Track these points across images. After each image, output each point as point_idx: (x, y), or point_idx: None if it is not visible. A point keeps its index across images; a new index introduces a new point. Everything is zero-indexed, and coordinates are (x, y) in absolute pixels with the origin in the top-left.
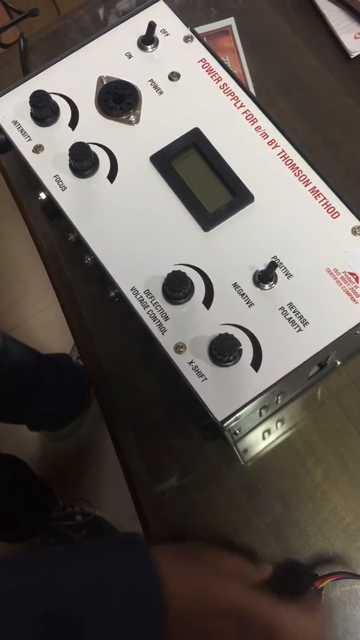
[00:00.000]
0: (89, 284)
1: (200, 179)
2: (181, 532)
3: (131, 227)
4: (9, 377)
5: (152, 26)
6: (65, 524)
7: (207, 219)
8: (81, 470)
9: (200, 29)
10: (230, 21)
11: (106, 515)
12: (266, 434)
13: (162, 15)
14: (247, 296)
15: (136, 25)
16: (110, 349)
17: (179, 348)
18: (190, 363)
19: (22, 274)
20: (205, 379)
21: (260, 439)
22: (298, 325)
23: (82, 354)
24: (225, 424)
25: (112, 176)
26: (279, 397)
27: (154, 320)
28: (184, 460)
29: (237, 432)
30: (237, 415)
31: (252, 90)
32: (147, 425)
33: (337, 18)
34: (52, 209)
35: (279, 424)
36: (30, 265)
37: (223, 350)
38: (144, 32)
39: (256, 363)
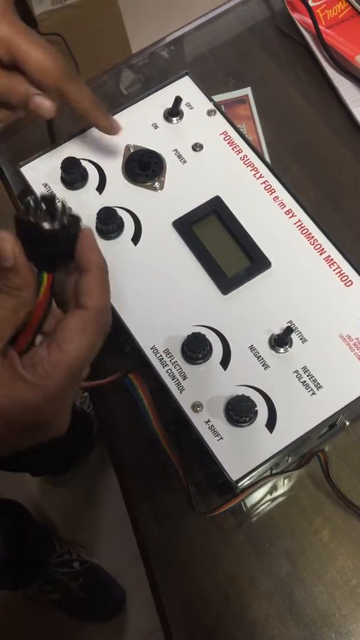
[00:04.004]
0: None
1: (220, 244)
2: (187, 585)
3: (153, 288)
4: None
5: (178, 100)
6: (62, 571)
7: (226, 283)
8: (80, 516)
9: (218, 97)
10: (247, 91)
11: (103, 563)
12: (273, 491)
13: (187, 89)
14: (263, 359)
15: (163, 98)
16: (123, 402)
17: (196, 407)
18: (206, 422)
19: None
20: (221, 438)
21: (269, 495)
22: (312, 389)
23: (96, 408)
24: (239, 484)
25: (136, 239)
26: (290, 456)
27: (173, 379)
28: (194, 519)
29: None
30: (251, 475)
31: (266, 156)
32: (157, 477)
33: (349, 92)
34: None
35: (286, 481)
36: None
37: (240, 411)
38: (169, 105)
39: (271, 424)
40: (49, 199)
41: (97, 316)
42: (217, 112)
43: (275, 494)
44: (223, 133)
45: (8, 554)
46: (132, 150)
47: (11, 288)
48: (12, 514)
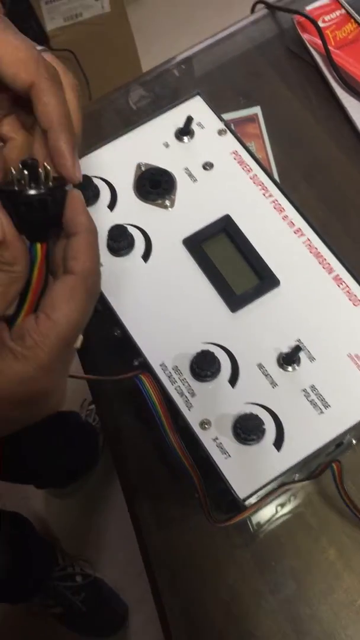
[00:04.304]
0: (112, 354)
1: (230, 262)
2: (191, 601)
3: (162, 305)
4: (19, 439)
5: (189, 120)
6: (65, 585)
7: (235, 300)
8: (83, 529)
9: (228, 116)
10: (256, 109)
11: (106, 578)
12: (279, 508)
13: (198, 109)
14: (271, 377)
15: (174, 117)
16: (129, 411)
17: (204, 424)
18: (214, 440)
19: None
20: (229, 456)
21: (274, 512)
22: (320, 408)
23: (101, 417)
24: (246, 502)
25: (146, 256)
26: (297, 474)
27: (181, 396)
28: (200, 534)
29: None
30: (258, 493)
31: (275, 175)
32: (164, 495)
33: (358, 112)
34: None
35: (292, 498)
36: None
37: (248, 429)
38: (181, 124)
39: (278, 443)
40: (31, 164)
41: (85, 280)
42: (228, 131)
43: (280, 511)
44: (233, 152)
45: (10, 566)
46: (143, 169)
47: (2, 263)
48: (15, 527)
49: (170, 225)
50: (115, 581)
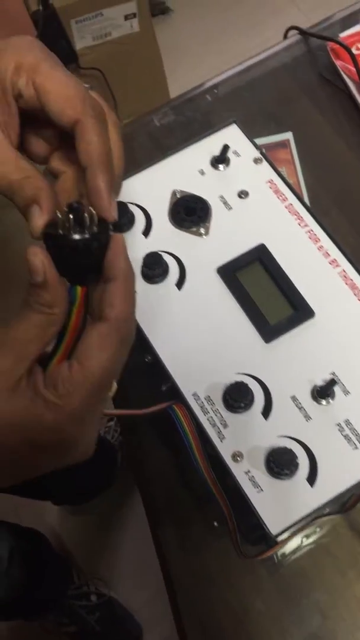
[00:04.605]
0: (141, 378)
1: (264, 292)
2: (214, 633)
3: (195, 333)
4: None
5: (226, 148)
6: (80, 604)
7: (269, 330)
8: (99, 548)
9: (259, 141)
10: (288, 135)
11: (121, 598)
12: (305, 538)
13: (234, 137)
14: (304, 410)
15: (209, 145)
16: (157, 445)
17: (237, 457)
18: (246, 473)
19: None
20: (261, 490)
21: (300, 543)
22: (354, 443)
23: (126, 439)
24: (278, 538)
25: (180, 284)
26: (328, 508)
27: (213, 427)
28: (225, 564)
29: None
30: (291, 529)
31: (306, 200)
32: (188, 520)
33: None
34: None
35: (318, 529)
36: None
37: (281, 464)
38: (216, 152)
39: (312, 478)
40: (76, 207)
41: (119, 327)
42: (264, 160)
43: (306, 542)
44: (269, 181)
45: (25, 582)
46: (178, 196)
47: (41, 305)
48: (32, 543)
49: (204, 253)
50: (128, 601)
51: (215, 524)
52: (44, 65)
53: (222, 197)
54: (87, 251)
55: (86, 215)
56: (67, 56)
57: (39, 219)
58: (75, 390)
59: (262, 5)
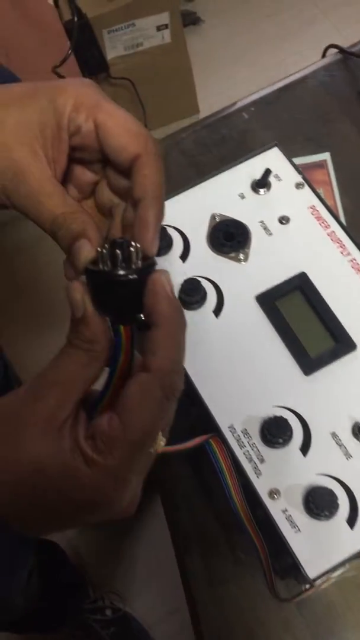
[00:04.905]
0: None
1: (304, 322)
2: None
3: (233, 363)
4: None
5: (267, 172)
6: (95, 618)
7: (309, 363)
8: (116, 562)
9: (297, 160)
10: (326, 156)
11: (136, 613)
12: (338, 577)
13: (275, 161)
14: (345, 447)
15: (250, 169)
16: (187, 474)
17: (274, 494)
18: (284, 511)
19: None
20: (299, 530)
21: (333, 582)
22: None
23: (159, 474)
24: (316, 582)
25: (217, 311)
26: None
27: (250, 462)
28: (252, 596)
29: None
30: (328, 573)
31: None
32: (216, 551)
33: None
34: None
35: (349, 566)
36: None
37: (321, 504)
38: (257, 176)
39: (352, 520)
40: (121, 243)
41: (162, 379)
42: (306, 185)
43: (339, 581)
44: (311, 207)
45: (41, 594)
46: (217, 220)
47: (82, 341)
48: (49, 555)
49: (243, 280)
50: (144, 616)
51: (242, 555)
52: (105, 104)
53: (262, 222)
54: (129, 287)
55: (132, 250)
56: (98, 65)
57: (88, 254)
58: (114, 448)
59: (294, 17)
